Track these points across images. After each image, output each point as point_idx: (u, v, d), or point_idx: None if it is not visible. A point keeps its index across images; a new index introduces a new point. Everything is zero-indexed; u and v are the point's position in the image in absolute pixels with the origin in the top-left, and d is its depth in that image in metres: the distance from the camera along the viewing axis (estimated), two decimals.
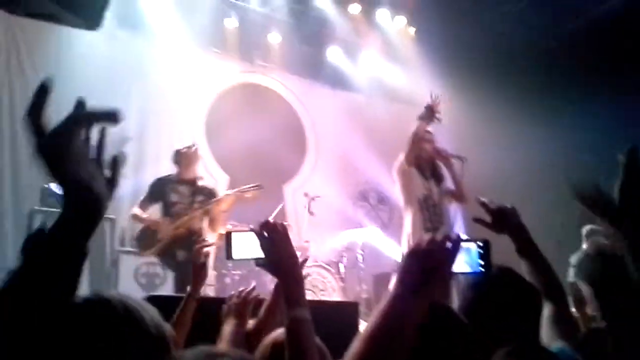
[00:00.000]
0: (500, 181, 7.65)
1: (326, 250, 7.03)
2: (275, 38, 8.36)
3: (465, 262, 1.27)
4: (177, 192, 5.16)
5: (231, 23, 7.98)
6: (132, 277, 5.86)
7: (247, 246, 1.65)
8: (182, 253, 4.88)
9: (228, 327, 2.13)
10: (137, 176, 6.86)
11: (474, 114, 8.01)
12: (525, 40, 7.59)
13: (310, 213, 6.86)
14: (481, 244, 1.26)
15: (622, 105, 7.13)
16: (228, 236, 1.70)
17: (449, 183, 4.84)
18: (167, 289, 5.76)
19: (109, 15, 6.66)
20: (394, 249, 6.78)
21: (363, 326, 3.70)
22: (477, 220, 2.03)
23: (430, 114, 4.56)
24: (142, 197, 5.22)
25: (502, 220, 2.00)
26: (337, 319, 3.54)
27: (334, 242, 7.19)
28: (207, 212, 5.05)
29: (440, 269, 1.13)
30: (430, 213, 4.62)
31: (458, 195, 4.77)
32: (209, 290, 5.54)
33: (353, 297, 6.86)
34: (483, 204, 2.07)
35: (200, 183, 5.27)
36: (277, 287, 1.97)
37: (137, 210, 5.09)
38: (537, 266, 1.90)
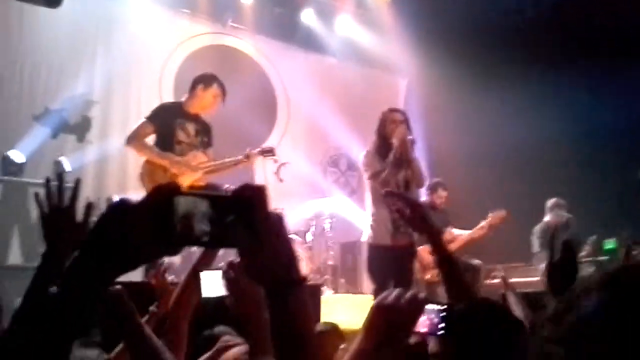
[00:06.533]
0: (475, 158, 7.72)
1: (295, 218, 7.05)
2: None
3: (427, 323, 1.30)
4: (184, 129, 4.40)
5: None
6: None
7: (216, 284, 1.66)
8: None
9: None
10: (102, 142, 6.75)
11: (445, 84, 7.99)
12: (502, 13, 7.49)
13: (280, 180, 6.83)
14: (443, 309, 1.30)
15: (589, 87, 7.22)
16: (196, 276, 1.71)
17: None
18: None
19: None
20: (362, 217, 6.84)
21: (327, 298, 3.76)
22: (397, 211, 2.13)
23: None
24: (140, 123, 4.43)
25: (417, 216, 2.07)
26: None
27: (302, 211, 7.21)
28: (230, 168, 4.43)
29: (405, 325, 1.16)
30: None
31: (413, 179, 4.42)
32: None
33: (319, 265, 6.96)
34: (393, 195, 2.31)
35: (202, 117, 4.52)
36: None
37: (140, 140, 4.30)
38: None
